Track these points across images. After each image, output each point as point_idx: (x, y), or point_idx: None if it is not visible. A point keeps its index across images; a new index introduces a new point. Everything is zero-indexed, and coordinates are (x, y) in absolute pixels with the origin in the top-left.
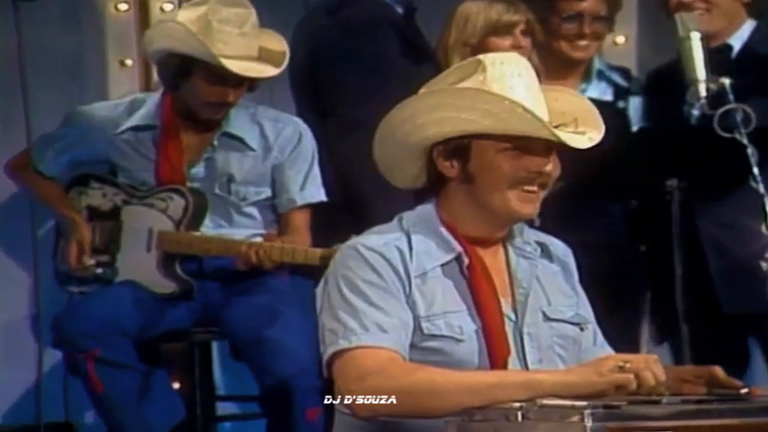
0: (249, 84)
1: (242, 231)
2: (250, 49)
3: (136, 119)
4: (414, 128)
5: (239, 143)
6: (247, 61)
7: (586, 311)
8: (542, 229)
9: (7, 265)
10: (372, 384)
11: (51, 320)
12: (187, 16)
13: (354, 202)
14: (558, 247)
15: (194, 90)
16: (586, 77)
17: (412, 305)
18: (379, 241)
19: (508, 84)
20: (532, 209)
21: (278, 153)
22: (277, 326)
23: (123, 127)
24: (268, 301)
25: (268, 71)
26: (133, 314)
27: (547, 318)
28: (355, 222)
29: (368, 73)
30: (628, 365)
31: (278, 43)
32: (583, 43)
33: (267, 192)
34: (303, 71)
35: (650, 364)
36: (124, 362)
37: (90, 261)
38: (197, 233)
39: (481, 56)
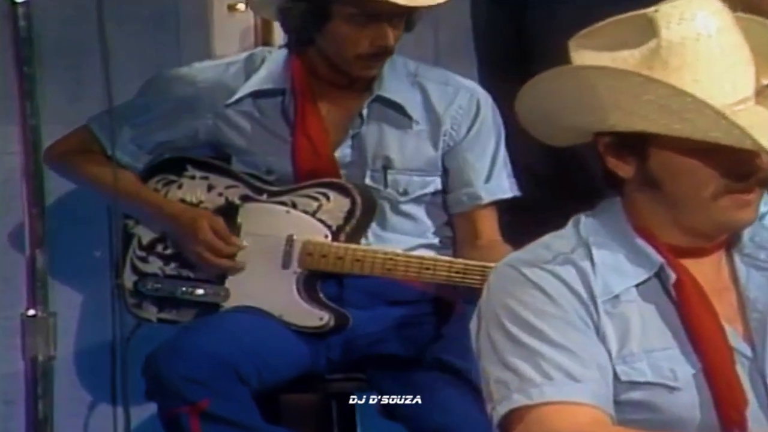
0: (407, 21)
1: (399, 239)
2: None
3: (255, 82)
4: (564, 111)
5: (397, 114)
6: None
7: None
8: None
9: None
10: None
11: (143, 362)
12: None
13: (571, 193)
14: None
15: (337, 39)
16: None
17: (602, 340)
18: (546, 255)
19: (692, 54)
20: (752, 214)
21: (452, 129)
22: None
23: (240, 94)
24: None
25: None
26: (253, 354)
27: None
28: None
29: (599, 15)
30: None
31: None
32: None
33: (436, 183)
34: (502, 13)
35: None
36: (240, 419)
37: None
38: (378, 248)
39: (650, 11)
